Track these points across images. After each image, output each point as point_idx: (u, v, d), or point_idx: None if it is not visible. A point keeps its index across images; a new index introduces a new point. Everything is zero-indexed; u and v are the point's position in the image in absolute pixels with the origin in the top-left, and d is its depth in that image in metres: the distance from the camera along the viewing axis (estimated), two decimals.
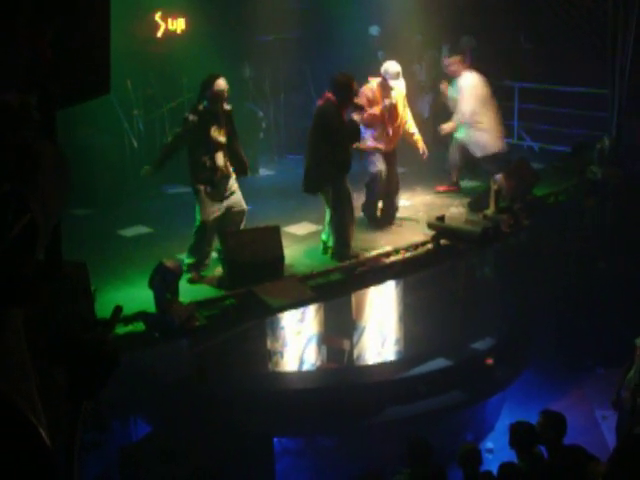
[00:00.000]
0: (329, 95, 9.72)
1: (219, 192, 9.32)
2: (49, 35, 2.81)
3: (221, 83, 9.20)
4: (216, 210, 9.32)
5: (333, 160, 9.67)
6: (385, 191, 11.22)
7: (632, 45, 13.59)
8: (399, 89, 11.02)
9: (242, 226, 9.71)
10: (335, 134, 9.62)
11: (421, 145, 11.35)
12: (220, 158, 9.24)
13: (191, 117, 9.18)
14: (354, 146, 10.05)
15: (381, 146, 11.04)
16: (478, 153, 12.48)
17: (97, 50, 3.31)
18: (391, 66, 10.91)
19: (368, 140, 10.99)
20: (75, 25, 3.12)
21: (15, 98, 2.73)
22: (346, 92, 9.67)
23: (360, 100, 10.54)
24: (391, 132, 11.04)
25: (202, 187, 9.23)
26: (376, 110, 10.79)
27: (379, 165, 11.04)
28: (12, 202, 2.12)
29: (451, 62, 12.64)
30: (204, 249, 9.44)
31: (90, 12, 3.24)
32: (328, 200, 9.89)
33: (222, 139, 9.23)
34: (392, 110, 10.99)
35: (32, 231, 2.14)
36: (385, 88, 10.91)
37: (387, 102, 10.81)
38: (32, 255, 2.14)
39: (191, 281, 9.25)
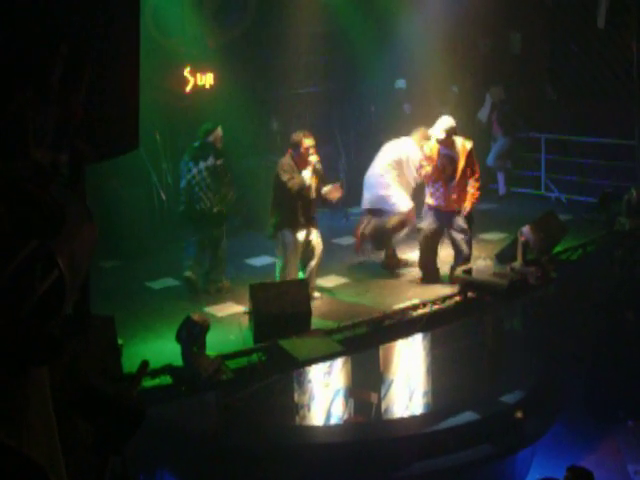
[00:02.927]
0: (289, 150, 10.34)
1: None
2: (81, 94, 2.87)
3: None
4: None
5: (283, 213, 10.18)
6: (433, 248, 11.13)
7: None
8: (459, 145, 10.85)
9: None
10: (282, 187, 10.12)
11: (465, 205, 10.93)
12: None
13: None
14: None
15: (433, 202, 10.93)
16: None
17: (126, 108, 3.37)
18: (442, 123, 10.81)
19: (427, 196, 11.00)
20: (105, 84, 3.18)
21: (45, 155, 2.77)
22: (297, 149, 10.22)
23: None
24: (446, 190, 10.79)
25: None
26: (428, 169, 10.78)
27: (425, 221, 11.02)
28: (40, 258, 2.15)
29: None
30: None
31: (120, 70, 3.29)
32: (277, 248, 10.38)
33: None
34: (447, 166, 10.78)
35: (60, 287, 2.16)
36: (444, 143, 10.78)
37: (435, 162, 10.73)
38: (59, 312, 2.16)
39: None
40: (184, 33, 13.38)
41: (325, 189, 10.37)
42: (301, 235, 10.22)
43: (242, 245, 12.92)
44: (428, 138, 11.04)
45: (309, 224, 10.34)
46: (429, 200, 10.91)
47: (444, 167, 10.74)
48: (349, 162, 15.08)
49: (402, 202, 11.44)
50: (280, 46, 14.44)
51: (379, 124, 15.33)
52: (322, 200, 10.50)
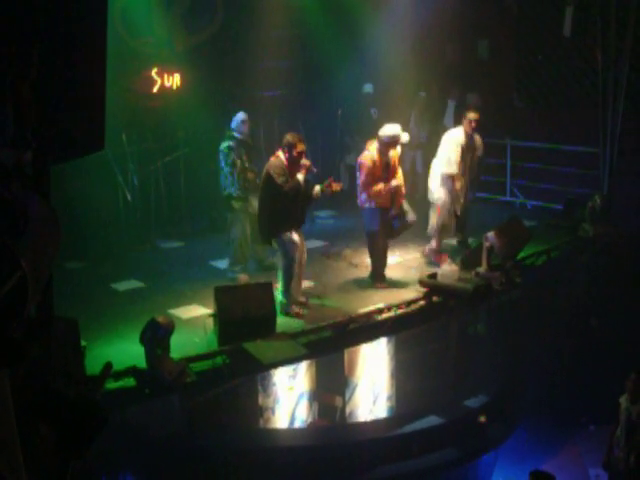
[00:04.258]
0: (278, 153, 10.14)
1: None
2: (29, 83, 2.84)
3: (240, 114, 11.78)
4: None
5: (279, 214, 9.99)
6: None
7: (622, 104, 13.76)
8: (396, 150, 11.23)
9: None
10: (276, 190, 9.94)
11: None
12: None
13: None
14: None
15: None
16: None
17: (93, 108, 3.35)
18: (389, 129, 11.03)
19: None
20: (71, 83, 3.15)
21: (9, 155, 2.74)
22: (290, 151, 10.03)
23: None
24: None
25: None
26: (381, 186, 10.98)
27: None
28: (2, 259, 2.12)
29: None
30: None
31: (86, 70, 3.27)
32: (278, 252, 10.24)
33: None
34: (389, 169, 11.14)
35: (22, 289, 2.13)
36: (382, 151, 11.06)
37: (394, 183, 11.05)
38: (21, 314, 2.13)
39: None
40: (152, 34, 13.34)
41: (325, 184, 10.27)
42: (297, 237, 10.19)
43: (207, 247, 12.91)
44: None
45: (300, 227, 10.36)
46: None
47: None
48: (315, 165, 15.09)
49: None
50: (248, 49, 14.42)
51: (346, 128, 15.37)
52: (329, 193, 10.44)
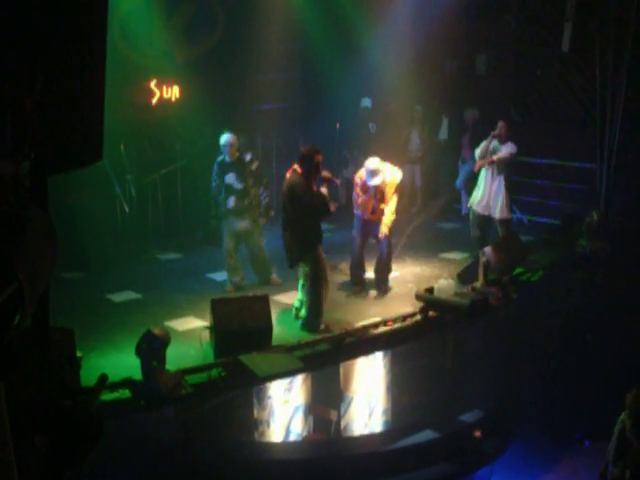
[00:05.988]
0: (295, 167, 9.97)
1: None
2: (34, 97, 2.84)
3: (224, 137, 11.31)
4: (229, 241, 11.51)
5: (311, 230, 9.93)
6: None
7: (620, 120, 13.78)
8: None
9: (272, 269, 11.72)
10: (307, 205, 9.83)
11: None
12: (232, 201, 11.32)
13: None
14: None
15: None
16: None
17: (91, 119, 3.35)
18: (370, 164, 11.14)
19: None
20: (70, 94, 3.16)
21: (6, 165, 2.75)
22: (308, 163, 9.88)
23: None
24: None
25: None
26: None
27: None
28: None
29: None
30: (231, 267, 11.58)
31: (85, 81, 3.27)
32: (307, 270, 10.01)
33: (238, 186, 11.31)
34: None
35: (18, 300, 2.13)
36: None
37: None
38: (17, 325, 2.13)
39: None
40: (151, 46, 13.38)
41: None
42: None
43: (204, 259, 12.91)
44: None
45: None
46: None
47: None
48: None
49: None
50: (247, 62, 14.47)
51: (343, 142, 15.41)
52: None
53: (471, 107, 15.49)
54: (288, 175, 10.08)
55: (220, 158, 11.39)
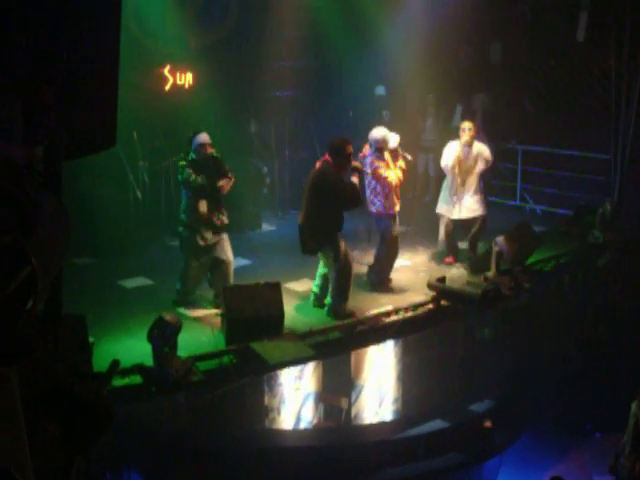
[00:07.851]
0: (327, 158, 9.94)
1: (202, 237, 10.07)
2: (51, 92, 2.84)
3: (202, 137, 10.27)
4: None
5: (334, 220, 9.87)
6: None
7: (635, 111, 13.71)
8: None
9: (230, 278, 10.18)
10: (337, 196, 9.81)
11: None
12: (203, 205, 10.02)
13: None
14: None
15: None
16: None
17: (105, 105, 3.35)
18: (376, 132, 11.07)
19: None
20: (84, 80, 3.16)
21: (20, 151, 2.75)
22: (339, 155, 9.86)
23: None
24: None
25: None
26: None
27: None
28: (12, 254, 2.12)
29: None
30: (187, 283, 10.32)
31: (99, 67, 3.27)
32: (328, 259, 9.94)
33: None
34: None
35: (31, 285, 2.13)
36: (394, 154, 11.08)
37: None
38: (29, 310, 2.13)
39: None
40: (165, 32, 13.34)
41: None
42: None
43: None
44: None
45: None
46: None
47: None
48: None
49: None
50: (261, 49, 14.44)
51: (357, 130, 15.36)
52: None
53: (479, 93, 15.42)
54: (318, 165, 10.08)
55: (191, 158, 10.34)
